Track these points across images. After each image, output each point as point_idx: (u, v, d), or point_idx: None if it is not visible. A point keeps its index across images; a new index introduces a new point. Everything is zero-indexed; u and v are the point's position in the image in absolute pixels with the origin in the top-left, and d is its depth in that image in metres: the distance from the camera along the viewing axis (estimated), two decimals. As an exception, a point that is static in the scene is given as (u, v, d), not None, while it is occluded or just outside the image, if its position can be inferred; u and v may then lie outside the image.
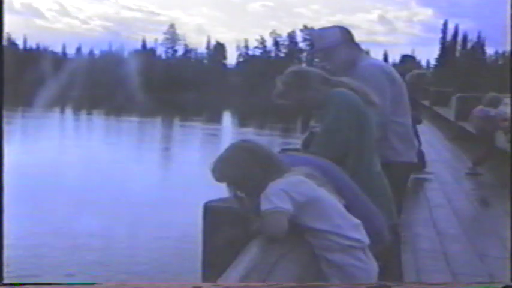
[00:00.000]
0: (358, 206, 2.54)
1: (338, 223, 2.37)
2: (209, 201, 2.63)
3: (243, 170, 2.42)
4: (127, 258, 8.06)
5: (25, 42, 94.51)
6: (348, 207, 2.45)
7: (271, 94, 3.01)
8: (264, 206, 2.31)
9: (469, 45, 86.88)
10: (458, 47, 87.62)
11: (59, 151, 19.99)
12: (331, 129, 2.85)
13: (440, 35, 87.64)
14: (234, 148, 2.51)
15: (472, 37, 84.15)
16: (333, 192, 2.45)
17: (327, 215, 2.37)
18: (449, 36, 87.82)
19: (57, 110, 41.61)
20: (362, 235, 2.41)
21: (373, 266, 2.44)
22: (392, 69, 3.65)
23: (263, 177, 2.39)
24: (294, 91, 2.98)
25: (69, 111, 42.97)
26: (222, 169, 2.46)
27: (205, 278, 2.53)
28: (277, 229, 2.27)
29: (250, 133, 28.39)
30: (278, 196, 2.31)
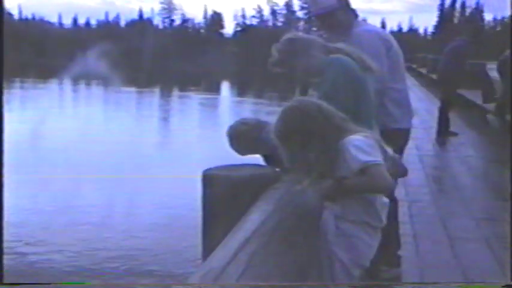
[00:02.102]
0: None
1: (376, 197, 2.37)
2: (207, 170, 2.63)
3: (314, 130, 2.32)
4: (126, 231, 8.07)
5: (20, 12, 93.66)
6: None
7: (268, 63, 2.97)
8: (364, 157, 2.21)
9: (467, 11, 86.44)
10: (457, 14, 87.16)
11: (57, 122, 19.92)
12: (328, 96, 2.83)
13: (438, 2, 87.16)
14: (305, 108, 2.39)
15: (471, 3, 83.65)
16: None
17: None
18: (447, 3, 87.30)
19: (55, 80, 41.31)
20: (383, 216, 2.44)
21: (376, 244, 2.46)
22: (389, 35, 3.62)
23: (333, 137, 2.31)
24: (290, 59, 2.92)
25: (67, 82, 42.65)
26: (284, 133, 2.34)
27: (206, 246, 2.54)
28: (387, 182, 2.21)
29: (248, 102, 28.29)
30: (374, 149, 2.24)
